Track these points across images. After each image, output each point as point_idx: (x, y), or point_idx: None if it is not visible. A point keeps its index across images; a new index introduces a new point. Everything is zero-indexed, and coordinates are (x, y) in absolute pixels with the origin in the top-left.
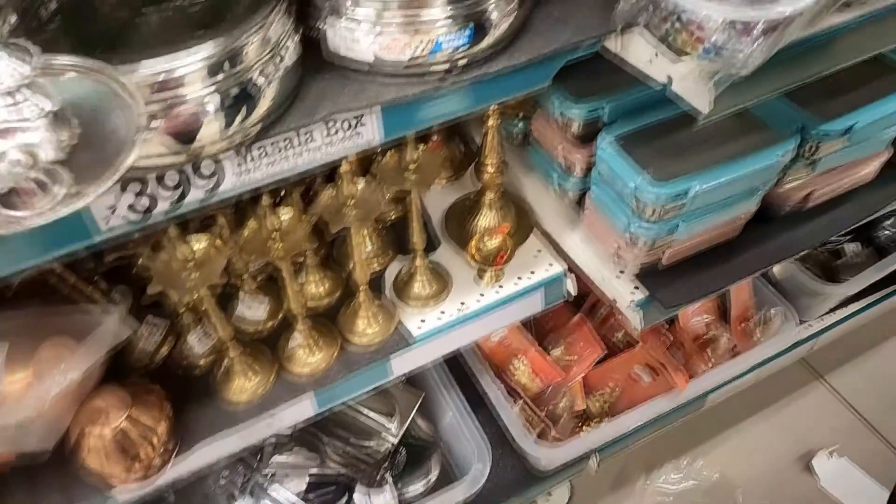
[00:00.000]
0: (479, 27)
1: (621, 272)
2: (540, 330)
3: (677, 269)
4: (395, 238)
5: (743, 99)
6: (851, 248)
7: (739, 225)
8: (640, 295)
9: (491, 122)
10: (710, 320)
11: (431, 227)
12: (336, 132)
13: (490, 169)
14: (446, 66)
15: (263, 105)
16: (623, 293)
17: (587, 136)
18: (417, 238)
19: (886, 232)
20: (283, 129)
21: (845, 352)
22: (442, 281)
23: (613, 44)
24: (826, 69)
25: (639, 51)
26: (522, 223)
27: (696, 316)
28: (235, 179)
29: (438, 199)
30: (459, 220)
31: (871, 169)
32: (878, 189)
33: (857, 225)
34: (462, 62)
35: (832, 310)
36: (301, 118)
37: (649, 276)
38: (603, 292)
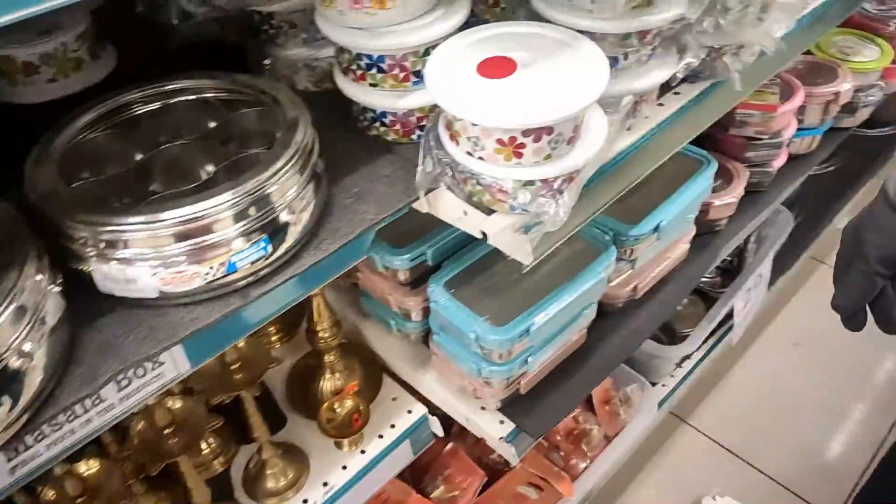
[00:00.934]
0: (275, 233)
1: (483, 408)
2: (414, 468)
3: (538, 392)
4: (234, 424)
5: (560, 235)
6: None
7: (584, 334)
8: (508, 428)
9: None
10: (577, 413)
11: (273, 399)
12: (130, 383)
13: (323, 334)
14: (248, 280)
15: (31, 387)
16: (490, 430)
17: (417, 281)
18: (259, 431)
19: (706, 279)
20: (59, 408)
21: (700, 392)
22: (298, 464)
23: (422, 205)
24: (628, 185)
25: (449, 208)
26: (371, 373)
27: None
28: (8, 478)
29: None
30: (303, 386)
31: (684, 247)
32: (695, 260)
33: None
34: (265, 272)
35: (678, 364)
36: (81, 387)
37: (512, 405)
38: (470, 431)
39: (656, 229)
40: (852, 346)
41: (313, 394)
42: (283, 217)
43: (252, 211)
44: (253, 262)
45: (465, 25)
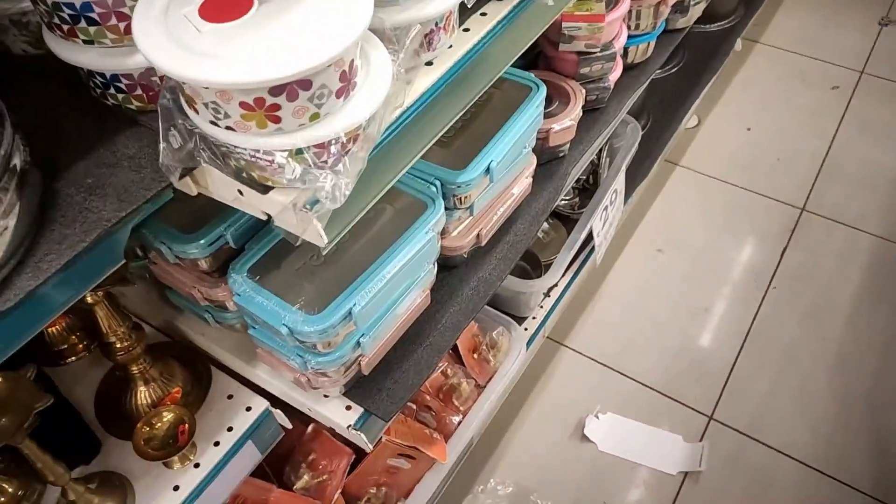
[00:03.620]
0: None
1: (326, 395)
2: (274, 460)
3: (386, 368)
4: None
5: (361, 205)
6: (542, 229)
7: (427, 295)
8: (356, 414)
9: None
10: (444, 367)
11: (83, 421)
12: None
13: (120, 345)
14: None
15: None
16: (337, 418)
17: (225, 265)
18: (53, 474)
19: (563, 201)
20: None
21: (574, 312)
22: (118, 495)
23: (187, 187)
24: (440, 130)
25: (221, 186)
26: (198, 372)
27: None
28: None
29: (84, 374)
30: (114, 403)
31: (526, 182)
32: (542, 193)
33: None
34: None
35: (547, 294)
36: None
37: (358, 387)
38: (317, 420)
39: (488, 170)
40: (711, 245)
41: (127, 410)
42: None
43: None
44: None
45: None
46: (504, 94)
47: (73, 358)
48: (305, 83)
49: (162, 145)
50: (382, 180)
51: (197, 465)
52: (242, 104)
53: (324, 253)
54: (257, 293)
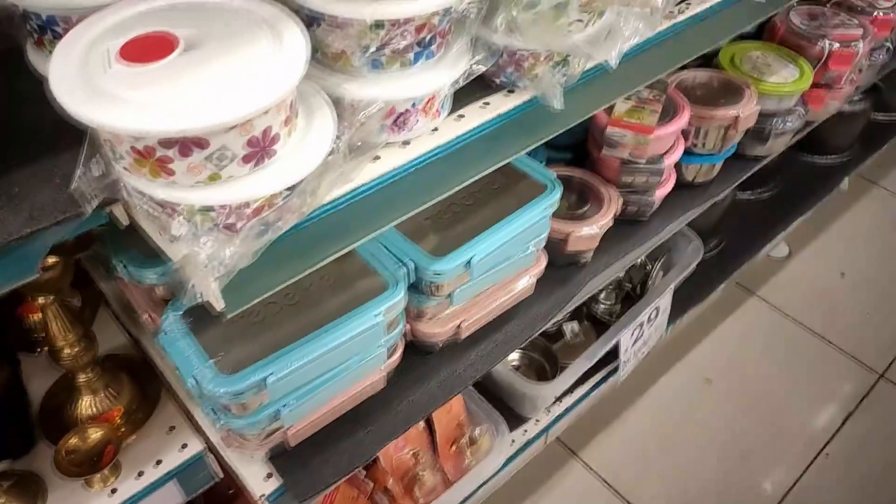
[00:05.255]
0: None
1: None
2: None
3: (316, 445)
4: None
5: (280, 279)
6: (570, 327)
7: (381, 377)
8: (273, 485)
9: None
10: (417, 450)
11: (28, 417)
12: None
13: (68, 351)
14: None
15: None
16: (254, 484)
17: None
18: None
19: (602, 306)
20: None
21: (594, 424)
22: (28, 499)
23: (121, 216)
24: (392, 221)
25: (147, 223)
26: (147, 394)
27: (401, 450)
28: None
29: (48, 369)
30: (60, 407)
31: (527, 282)
32: (548, 297)
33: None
34: None
35: (558, 399)
36: None
37: (285, 456)
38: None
39: (468, 265)
40: (767, 389)
41: (67, 417)
42: None
43: None
44: None
45: None
46: (518, 188)
47: (41, 350)
48: (201, 142)
49: (78, 171)
50: (319, 254)
51: (114, 491)
52: (133, 149)
53: (225, 319)
54: (183, 337)
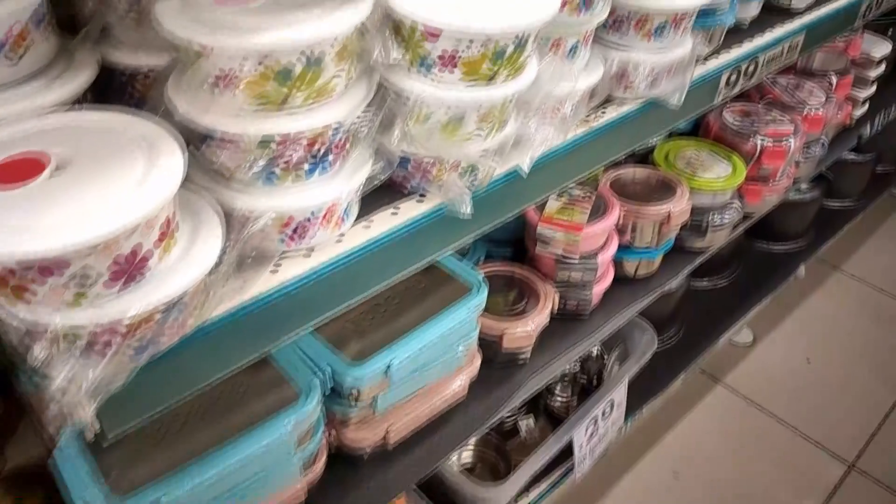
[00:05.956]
0: None
1: None
2: None
3: None
4: None
5: (164, 402)
6: (525, 423)
7: (299, 491)
8: None
9: None
10: None
11: None
12: None
13: None
14: None
15: None
16: None
17: None
18: None
19: (558, 400)
20: None
21: None
22: None
23: None
24: (266, 348)
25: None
26: None
27: None
28: None
29: None
30: None
31: (459, 384)
32: (484, 399)
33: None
34: None
35: (514, 501)
36: None
37: None
38: None
39: (387, 371)
40: (736, 481)
41: None
42: None
43: None
44: None
45: None
46: (445, 288)
47: None
48: (60, 263)
49: None
50: (213, 369)
51: None
52: None
53: (105, 443)
54: (77, 455)
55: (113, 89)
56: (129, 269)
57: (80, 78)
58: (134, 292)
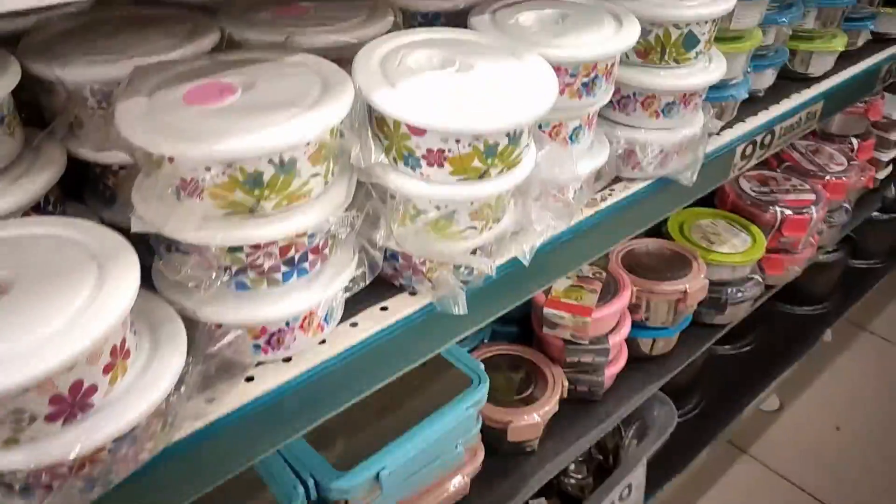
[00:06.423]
0: None
1: None
2: None
3: None
4: None
5: None
6: None
7: None
8: None
9: None
10: None
11: None
12: None
13: None
14: None
15: None
16: None
17: None
18: None
19: (573, 480)
20: None
21: None
22: None
23: None
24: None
25: None
26: None
27: None
28: None
29: None
30: None
31: (460, 483)
32: (487, 494)
33: None
34: None
35: None
36: None
37: None
38: None
39: (377, 478)
40: None
41: None
42: None
43: None
44: None
45: None
46: (443, 379)
47: None
48: None
49: None
50: (177, 497)
51: None
52: None
53: None
54: None
55: (88, 180)
56: (69, 408)
57: (44, 176)
58: (78, 428)
